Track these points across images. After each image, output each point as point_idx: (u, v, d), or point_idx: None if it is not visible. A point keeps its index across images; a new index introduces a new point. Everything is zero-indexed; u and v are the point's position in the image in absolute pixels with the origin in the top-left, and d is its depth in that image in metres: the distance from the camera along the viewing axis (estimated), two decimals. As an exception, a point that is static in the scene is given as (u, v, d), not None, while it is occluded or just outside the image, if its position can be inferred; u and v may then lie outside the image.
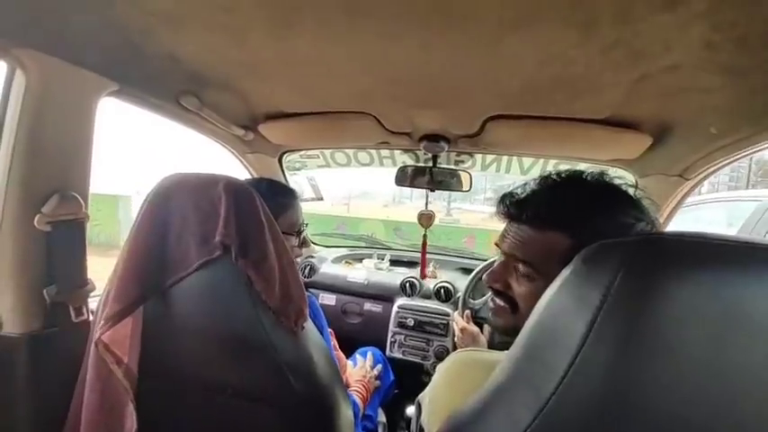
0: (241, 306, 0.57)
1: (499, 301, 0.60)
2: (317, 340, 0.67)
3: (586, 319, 0.31)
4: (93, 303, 0.71)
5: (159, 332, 0.61)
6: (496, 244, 0.61)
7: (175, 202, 0.61)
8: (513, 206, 0.58)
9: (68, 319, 0.67)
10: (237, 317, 0.58)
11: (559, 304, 0.36)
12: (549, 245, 0.53)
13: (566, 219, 0.53)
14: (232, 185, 0.60)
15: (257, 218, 0.60)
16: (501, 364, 0.41)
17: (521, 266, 0.56)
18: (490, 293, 0.63)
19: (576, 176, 0.57)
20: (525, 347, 0.39)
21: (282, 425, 0.62)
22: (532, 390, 0.35)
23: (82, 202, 0.68)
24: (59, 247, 0.66)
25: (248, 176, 1.40)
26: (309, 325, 0.66)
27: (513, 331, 0.57)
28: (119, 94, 0.75)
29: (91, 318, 0.70)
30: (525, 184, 0.59)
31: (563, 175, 0.57)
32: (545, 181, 0.58)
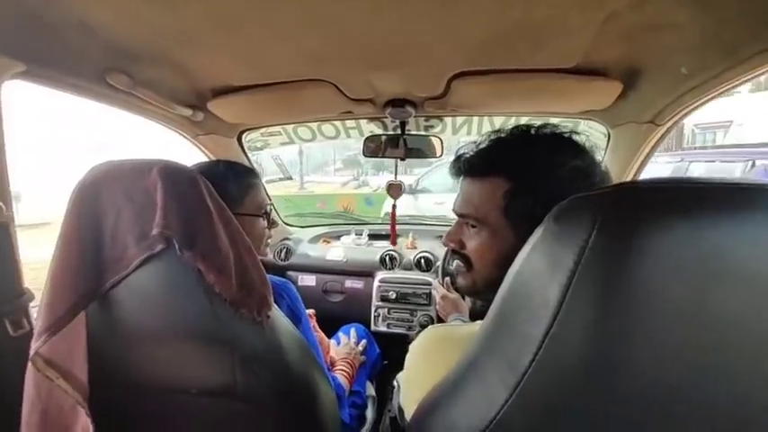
0: (194, 302, 0.52)
1: (458, 261, 0.61)
2: (286, 328, 0.63)
3: (561, 283, 0.28)
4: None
5: (107, 338, 0.55)
6: (453, 210, 0.61)
7: (106, 195, 0.53)
8: (458, 162, 0.59)
9: (5, 332, 0.60)
10: (191, 313, 0.53)
11: (531, 269, 0.32)
12: (488, 191, 0.53)
13: (500, 162, 0.53)
14: (169, 169, 0.53)
15: (202, 203, 0.54)
16: (475, 336, 0.38)
17: (468, 221, 0.57)
18: None
19: (519, 128, 0.57)
20: (497, 318, 0.35)
21: (259, 418, 0.59)
22: (507, 363, 0.32)
23: (1, 203, 0.60)
24: None
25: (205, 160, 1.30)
26: (277, 313, 0.62)
27: (473, 291, 0.59)
28: (27, 75, 0.65)
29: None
30: (475, 142, 0.59)
31: (508, 130, 0.58)
32: (490, 136, 0.58)
